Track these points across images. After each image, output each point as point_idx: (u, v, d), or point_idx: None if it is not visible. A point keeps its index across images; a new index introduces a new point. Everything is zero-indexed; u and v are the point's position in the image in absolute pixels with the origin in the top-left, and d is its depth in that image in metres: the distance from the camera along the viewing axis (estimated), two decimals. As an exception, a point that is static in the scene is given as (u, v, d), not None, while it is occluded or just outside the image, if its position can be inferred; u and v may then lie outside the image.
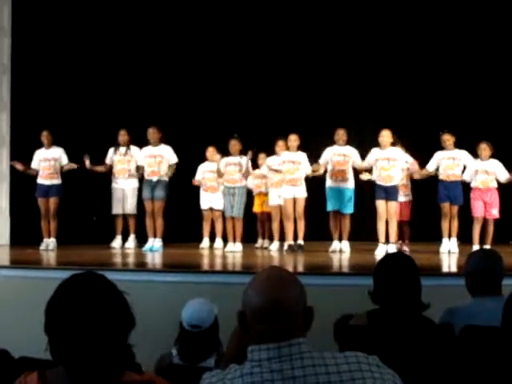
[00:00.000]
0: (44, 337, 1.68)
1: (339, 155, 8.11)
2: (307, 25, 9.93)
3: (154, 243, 8.25)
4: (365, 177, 7.79)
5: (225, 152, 8.41)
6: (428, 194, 8.35)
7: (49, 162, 8.39)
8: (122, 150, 8.62)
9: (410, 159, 7.92)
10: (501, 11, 9.37)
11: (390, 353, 1.99)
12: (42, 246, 8.26)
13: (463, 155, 7.88)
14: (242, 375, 1.66)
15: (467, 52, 9.62)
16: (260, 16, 9.98)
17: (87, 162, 8.44)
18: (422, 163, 8.05)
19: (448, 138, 7.87)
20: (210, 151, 8.76)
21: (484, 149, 7.69)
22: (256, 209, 9.06)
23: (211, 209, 8.77)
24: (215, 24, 9.91)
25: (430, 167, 7.97)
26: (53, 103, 9.28)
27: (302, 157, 8.15)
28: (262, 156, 8.96)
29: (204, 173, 8.87)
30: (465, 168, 7.89)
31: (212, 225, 8.85)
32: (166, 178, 8.33)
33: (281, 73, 9.98)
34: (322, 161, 8.19)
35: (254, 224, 9.08)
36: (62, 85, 9.38)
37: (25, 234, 8.81)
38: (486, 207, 7.74)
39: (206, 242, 8.79)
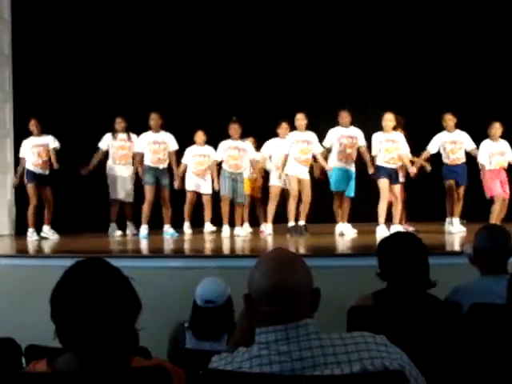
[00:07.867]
0: (50, 325, 1.69)
1: (347, 137, 8.01)
2: (308, 8, 9.82)
3: (168, 230, 8.21)
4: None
5: (222, 135, 8.27)
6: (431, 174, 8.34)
7: (42, 147, 8.28)
8: (123, 135, 8.54)
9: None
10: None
11: (397, 332, 1.99)
12: (34, 235, 8.18)
13: (464, 137, 7.92)
14: (250, 358, 1.67)
15: (469, 33, 9.47)
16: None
17: (83, 171, 8.30)
18: (422, 144, 8.02)
19: (450, 118, 7.88)
20: (199, 135, 8.61)
21: (498, 128, 7.71)
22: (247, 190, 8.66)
23: (199, 193, 8.60)
24: (213, 6, 9.81)
25: (432, 149, 7.96)
26: (55, 93, 9.25)
27: (313, 137, 8.01)
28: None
29: (194, 157, 8.63)
30: (466, 152, 7.93)
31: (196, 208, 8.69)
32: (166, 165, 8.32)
33: (281, 55, 9.87)
34: (327, 144, 8.06)
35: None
36: (64, 75, 9.34)
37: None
38: (502, 186, 7.75)
39: (187, 227, 8.58)
